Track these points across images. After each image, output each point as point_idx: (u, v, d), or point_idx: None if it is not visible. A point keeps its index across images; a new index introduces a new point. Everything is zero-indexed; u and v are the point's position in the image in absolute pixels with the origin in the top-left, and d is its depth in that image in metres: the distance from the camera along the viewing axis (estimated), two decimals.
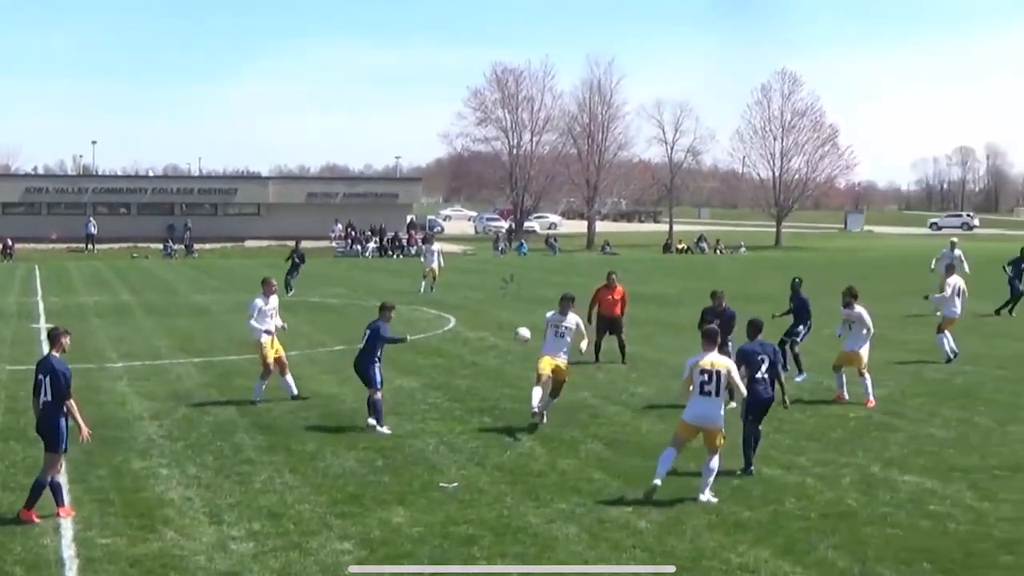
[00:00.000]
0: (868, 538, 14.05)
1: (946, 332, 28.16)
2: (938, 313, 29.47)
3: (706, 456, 15.66)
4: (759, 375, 17.02)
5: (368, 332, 20.53)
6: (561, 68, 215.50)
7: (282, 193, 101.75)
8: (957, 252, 40.32)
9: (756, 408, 17.09)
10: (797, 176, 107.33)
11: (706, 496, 15.45)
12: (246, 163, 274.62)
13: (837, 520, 14.80)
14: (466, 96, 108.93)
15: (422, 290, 48.73)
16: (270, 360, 22.38)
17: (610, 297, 28.22)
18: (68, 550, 13.63)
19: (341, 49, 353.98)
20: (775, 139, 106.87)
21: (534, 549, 13.72)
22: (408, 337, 22.87)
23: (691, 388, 15.73)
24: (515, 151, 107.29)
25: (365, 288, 52.49)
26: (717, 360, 15.78)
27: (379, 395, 20.14)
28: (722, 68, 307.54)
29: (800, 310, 26.25)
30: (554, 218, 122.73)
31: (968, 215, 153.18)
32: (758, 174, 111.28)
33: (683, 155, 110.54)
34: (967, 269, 38.52)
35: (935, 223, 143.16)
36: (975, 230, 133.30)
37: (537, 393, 20.16)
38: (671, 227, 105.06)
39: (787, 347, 24.43)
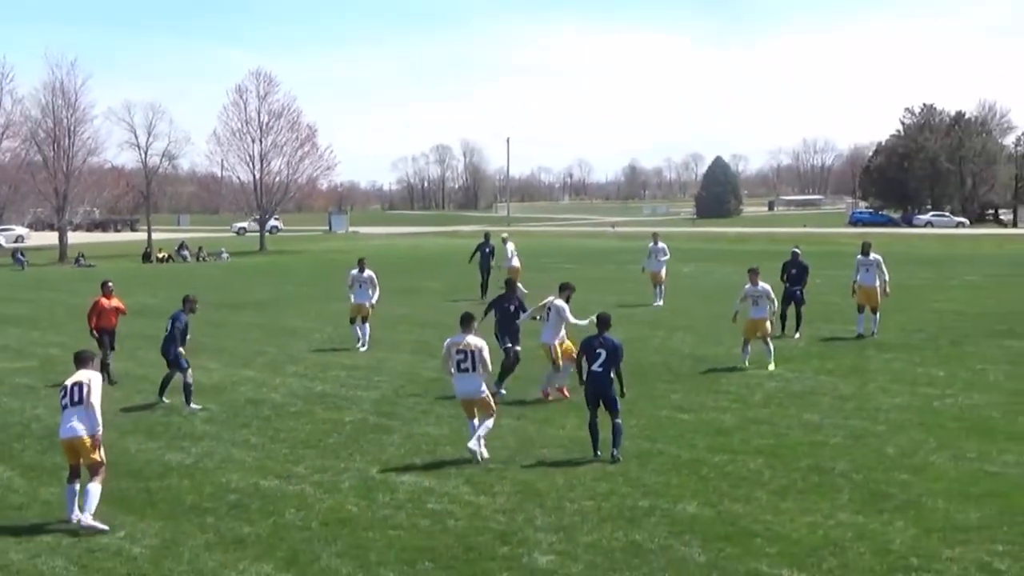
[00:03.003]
0: (370, 542, 14.28)
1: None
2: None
3: (479, 419, 18.39)
4: (595, 367, 17.95)
5: None
6: (20, 70, 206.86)
7: None
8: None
9: (592, 399, 18.13)
10: (278, 178, 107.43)
11: (473, 445, 18.10)
12: None
13: (339, 527, 14.97)
14: None
15: None
16: None
17: (106, 306, 27.34)
18: None
19: None
20: (253, 141, 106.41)
21: None
22: None
23: (451, 367, 18.51)
24: None
25: None
26: (471, 341, 18.28)
27: None
28: (195, 69, 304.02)
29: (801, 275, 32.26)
30: (21, 230, 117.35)
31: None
32: (238, 177, 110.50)
33: (158, 160, 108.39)
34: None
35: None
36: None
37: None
38: (150, 235, 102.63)
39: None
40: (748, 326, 26.66)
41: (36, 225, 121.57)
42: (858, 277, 31.80)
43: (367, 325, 32.19)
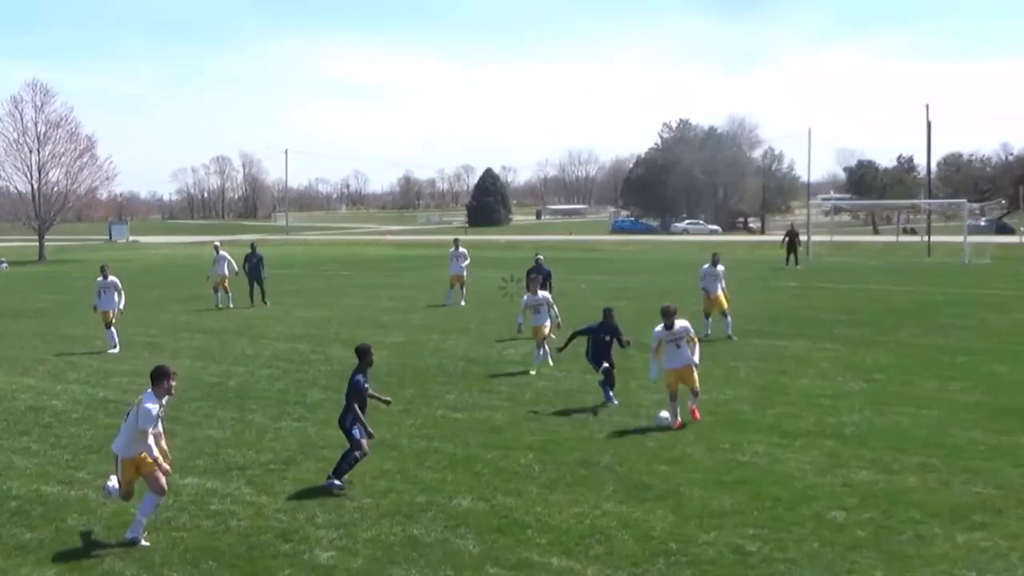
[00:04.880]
0: (154, 544, 14.00)
1: None
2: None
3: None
4: None
5: None
6: None
7: None
8: None
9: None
10: (57, 188, 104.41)
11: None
12: None
13: (122, 530, 14.48)
14: None
15: None
16: None
17: None
18: None
19: None
20: (31, 151, 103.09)
21: None
22: None
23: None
24: None
25: None
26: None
27: None
28: None
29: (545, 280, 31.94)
30: None
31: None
32: (16, 188, 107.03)
33: None
34: None
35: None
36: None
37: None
38: None
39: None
40: (534, 332, 26.92)
41: None
42: (704, 285, 32.15)
43: (112, 329, 32.64)
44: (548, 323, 26.92)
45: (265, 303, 43.85)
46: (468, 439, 19.30)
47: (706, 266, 32.71)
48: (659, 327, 20.63)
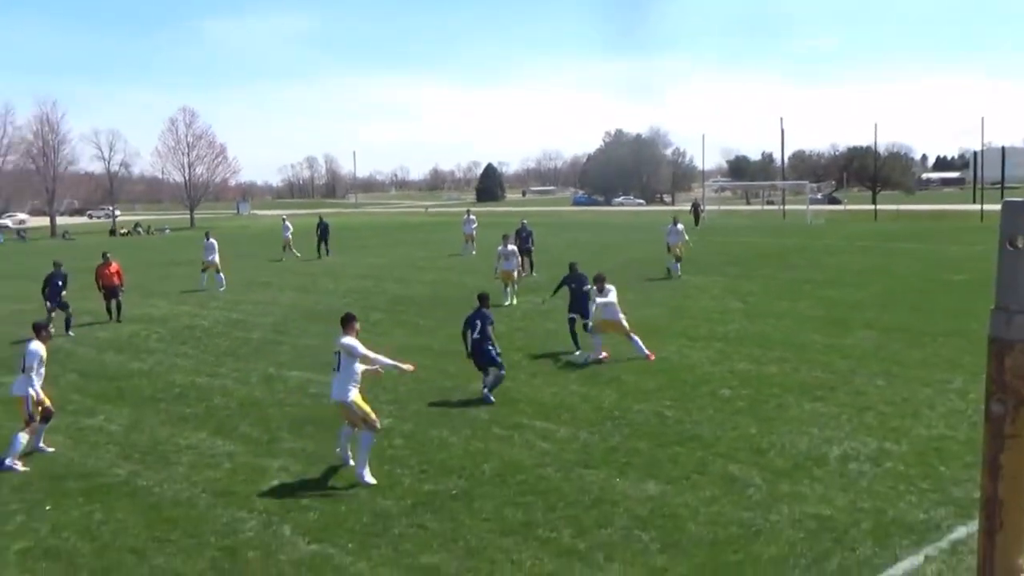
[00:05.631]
0: (272, 416, 14.04)
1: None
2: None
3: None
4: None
5: None
6: (18, 106, 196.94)
7: None
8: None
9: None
10: (201, 179, 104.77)
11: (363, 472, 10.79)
12: None
13: (250, 406, 14.66)
14: None
15: None
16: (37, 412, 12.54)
17: (108, 271, 24.91)
18: None
19: None
20: (184, 154, 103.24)
21: (29, 456, 12.43)
22: None
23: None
24: None
25: None
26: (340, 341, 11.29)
27: None
28: (140, 105, 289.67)
29: (527, 237, 30.57)
30: (23, 215, 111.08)
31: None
32: (174, 179, 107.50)
33: (118, 167, 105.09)
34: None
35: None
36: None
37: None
38: (114, 217, 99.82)
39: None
40: (504, 275, 25.39)
41: (34, 211, 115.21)
42: (668, 240, 30.69)
43: (220, 275, 31.90)
44: (515, 269, 25.57)
45: (328, 255, 43.36)
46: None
47: (670, 225, 31.28)
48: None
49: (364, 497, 10.20)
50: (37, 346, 12.43)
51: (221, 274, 32.08)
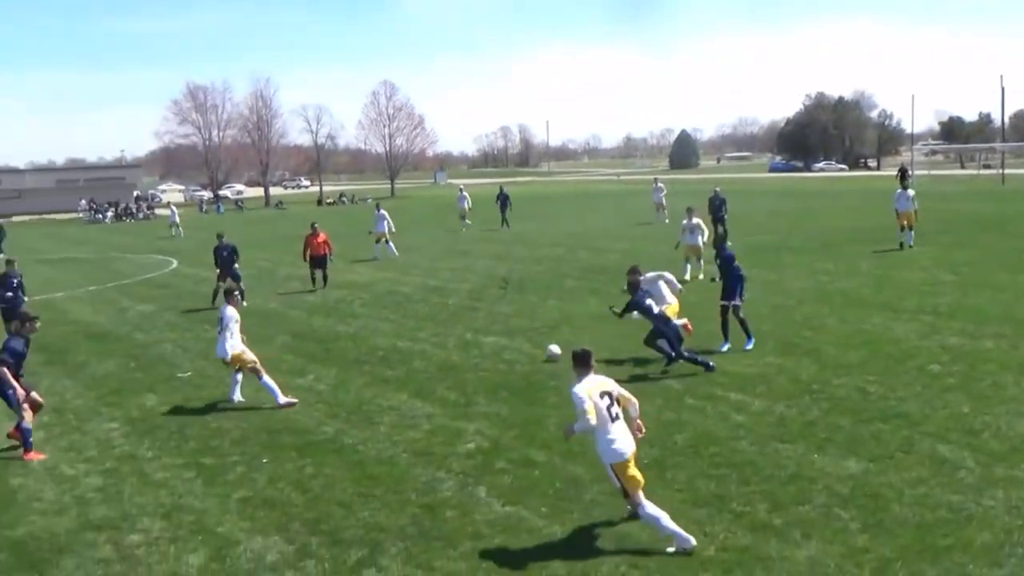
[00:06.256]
0: (468, 380, 14.40)
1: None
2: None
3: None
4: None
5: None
6: (235, 84, 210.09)
7: (37, 181, 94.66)
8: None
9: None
10: (401, 150, 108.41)
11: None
12: (3, 160, 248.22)
13: (447, 370, 15.10)
14: (168, 104, 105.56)
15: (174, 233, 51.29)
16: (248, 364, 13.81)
17: (316, 241, 25.53)
18: None
19: (60, 75, 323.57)
20: (384, 126, 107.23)
21: (249, 411, 13.32)
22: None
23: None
24: (207, 142, 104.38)
25: (109, 246, 49.10)
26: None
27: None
28: (346, 79, 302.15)
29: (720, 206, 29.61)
30: (240, 187, 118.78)
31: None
32: (376, 150, 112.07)
33: (324, 140, 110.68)
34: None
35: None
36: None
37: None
38: (320, 188, 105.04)
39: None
40: (689, 249, 23.80)
41: (250, 183, 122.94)
42: (896, 206, 27.98)
43: (391, 244, 32.82)
44: (700, 241, 23.90)
45: (507, 227, 43.24)
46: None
47: (899, 191, 28.64)
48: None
49: (557, 463, 10.34)
50: (231, 311, 13.53)
51: (391, 244, 32.93)
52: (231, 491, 10.07)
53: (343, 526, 8.91)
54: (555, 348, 15.42)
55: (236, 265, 23.90)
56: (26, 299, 19.72)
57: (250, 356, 13.63)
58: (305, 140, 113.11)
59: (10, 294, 19.52)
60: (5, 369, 11.67)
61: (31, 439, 11.85)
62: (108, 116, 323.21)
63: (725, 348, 15.16)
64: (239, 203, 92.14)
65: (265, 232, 50.47)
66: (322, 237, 25.71)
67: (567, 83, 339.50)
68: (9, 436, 12.09)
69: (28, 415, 11.84)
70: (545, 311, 20.17)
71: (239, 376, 13.77)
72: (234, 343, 13.48)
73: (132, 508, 9.71)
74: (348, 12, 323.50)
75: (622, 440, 8.30)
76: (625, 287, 15.39)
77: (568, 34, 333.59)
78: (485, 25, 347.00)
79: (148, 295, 26.18)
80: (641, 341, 14.61)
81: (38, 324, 12.54)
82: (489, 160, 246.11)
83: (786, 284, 21.99)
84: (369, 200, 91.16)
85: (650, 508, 8.09)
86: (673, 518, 8.08)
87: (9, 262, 19.78)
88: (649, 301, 14.28)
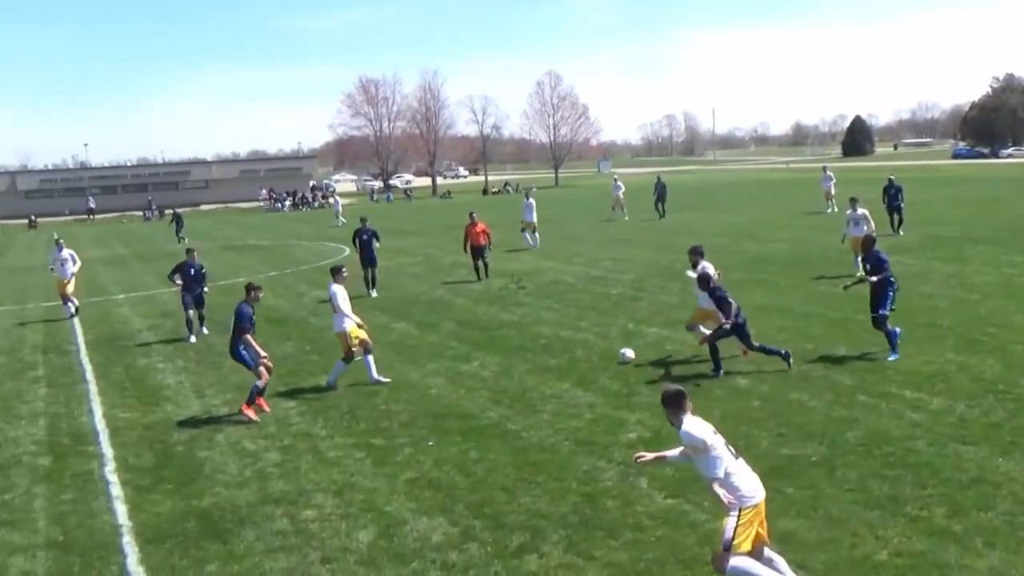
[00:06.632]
0: (630, 370, 14.28)
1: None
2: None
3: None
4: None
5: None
6: (404, 77, 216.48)
7: (223, 171, 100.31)
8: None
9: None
10: (565, 139, 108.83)
11: None
12: (194, 152, 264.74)
13: (608, 360, 15.01)
14: (342, 98, 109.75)
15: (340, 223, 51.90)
16: (355, 345, 14.39)
17: (476, 231, 25.60)
18: (100, 423, 13.16)
19: (244, 73, 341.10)
20: (549, 116, 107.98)
21: (416, 395, 13.74)
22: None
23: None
24: (378, 134, 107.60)
25: (287, 233, 51.46)
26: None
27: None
28: (511, 69, 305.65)
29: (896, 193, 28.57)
30: (409, 176, 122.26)
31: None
32: (540, 139, 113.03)
33: (490, 130, 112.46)
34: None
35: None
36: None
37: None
38: (486, 177, 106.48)
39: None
40: (854, 242, 21.71)
41: (418, 172, 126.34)
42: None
43: (536, 234, 33.13)
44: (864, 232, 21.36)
45: (663, 216, 42.75)
46: (841, 305, 18.16)
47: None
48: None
49: None
50: (336, 288, 14.27)
51: (536, 233, 33.18)
52: (399, 472, 10.38)
53: (505, 511, 9.04)
54: (629, 352, 14.94)
55: (376, 247, 24.76)
56: (207, 288, 19.88)
57: (362, 334, 14.25)
58: (471, 130, 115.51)
59: (180, 282, 19.39)
60: (248, 335, 12.97)
61: (259, 397, 12.98)
62: (287, 110, 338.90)
63: (893, 358, 13.76)
64: (408, 192, 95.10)
65: (432, 220, 51.75)
66: (481, 227, 25.84)
67: (734, 69, 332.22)
68: (242, 411, 12.95)
69: (264, 376, 13.00)
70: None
71: (370, 358, 14.31)
72: (348, 318, 14.13)
73: (307, 484, 10.17)
74: (513, 2, 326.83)
75: (752, 480, 6.90)
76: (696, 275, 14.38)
77: (736, 18, 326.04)
78: (650, 11, 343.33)
79: (322, 281, 27.01)
80: (802, 334, 14.11)
81: (261, 294, 13.74)
82: (653, 149, 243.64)
83: (969, 278, 20.78)
84: (533, 189, 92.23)
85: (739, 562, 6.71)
86: (842, 519, 7.77)
87: (189, 251, 20.18)
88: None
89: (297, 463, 10.92)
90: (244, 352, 13.04)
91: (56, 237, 25.75)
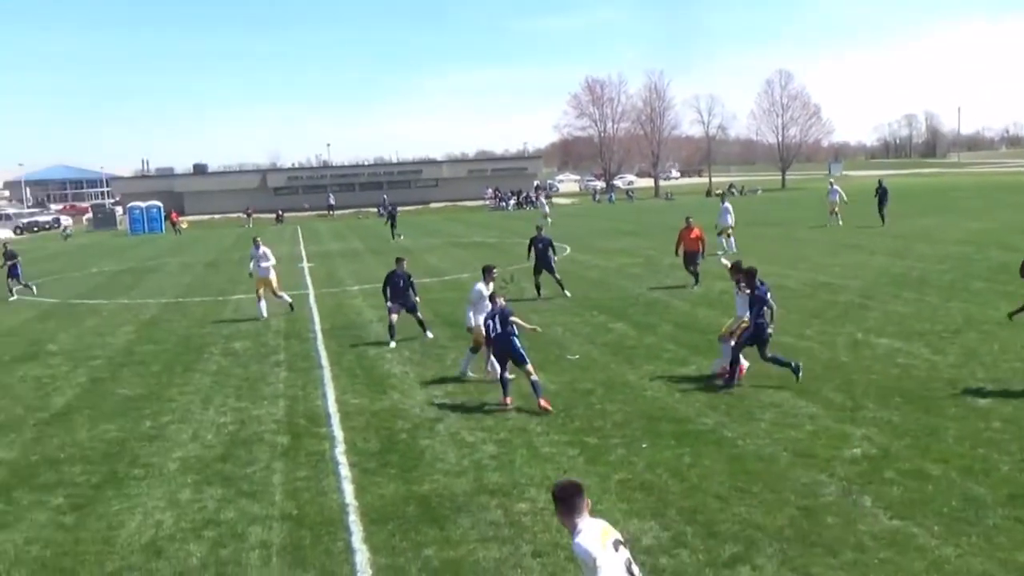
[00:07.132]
0: (856, 383, 13.65)
1: None
2: None
3: None
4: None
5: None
6: (629, 77, 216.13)
7: (452, 171, 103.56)
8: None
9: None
10: (794, 140, 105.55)
11: None
12: (426, 152, 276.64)
13: (834, 371, 14.41)
14: (568, 99, 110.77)
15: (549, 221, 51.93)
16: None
17: (690, 236, 24.64)
18: (332, 407, 13.96)
19: (479, 74, 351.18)
20: (777, 116, 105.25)
21: (631, 396, 13.70)
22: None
23: None
24: (602, 134, 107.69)
25: (511, 231, 52.66)
26: None
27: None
28: (739, 69, 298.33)
29: None
30: (631, 177, 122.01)
31: None
32: (767, 140, 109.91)
33: (715, 130, 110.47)
34: None
35: None
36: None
37: None
38: (710, 179, 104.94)
39: None
40: None
41: (640, 173, 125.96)
42: None
43: (732, 238, 32.47)
44: None
45: (884, 223, 39.44)
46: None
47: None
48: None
49: (954, 479, 9.49)
50: (479, 287, 15.35)
51: (732, 238, 32.52)
52: (611, 472, 10.39)
53: (719, 519, 8.85)
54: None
55: (553, 258, 24.89)
56: (418, 299, 19.46)
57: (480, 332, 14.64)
58: (696, 131, 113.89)
59: (390, 304, 18.86)
60: (517, 320, 13.81)
61: (540, 390, 13.30)
62: (515, 110, 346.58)
63: None
64: (629, 193, 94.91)
65: (653, 222, 51.49)
66: (696, 232, 24.69)
67: (983, 64, 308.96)
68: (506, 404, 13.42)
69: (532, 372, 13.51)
70: (947, 314, 18.56)
71: (474, 355, 15.25)
72: (476, 318, 14.87)
73: (521, 477, 10.37)
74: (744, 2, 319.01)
75: None
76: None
77: (984, 7, 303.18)
78: (888, 4, 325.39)
79: (541, 280, 27.68)
80: None
81: (496, 272, 15.37)
82: (890, 150, 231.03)
83: None
84: (759, 192, 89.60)
85: None
86: None
87: (398, 260, 19.29)
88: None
89: (512, 456, 11.16)
90: (520, 347, 13.56)
91: (254, 236, 26.36)
